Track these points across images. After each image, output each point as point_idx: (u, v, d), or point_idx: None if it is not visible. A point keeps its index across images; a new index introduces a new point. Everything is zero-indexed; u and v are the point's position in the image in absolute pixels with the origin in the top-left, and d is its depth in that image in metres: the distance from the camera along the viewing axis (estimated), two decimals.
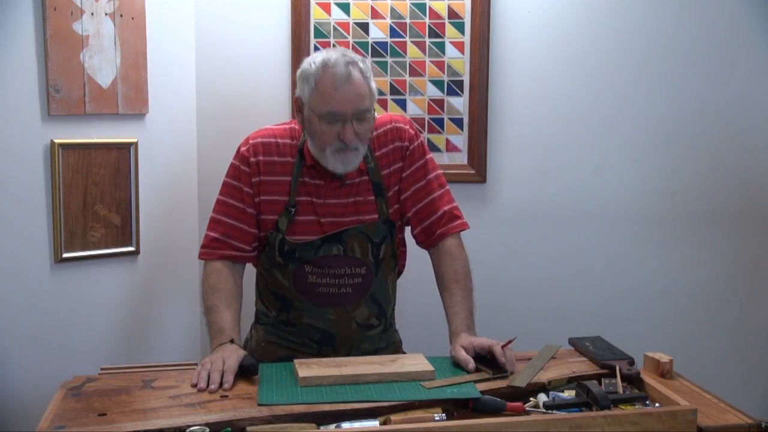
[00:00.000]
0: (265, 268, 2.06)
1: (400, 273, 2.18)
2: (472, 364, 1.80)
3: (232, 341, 1.88)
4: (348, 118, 1.90)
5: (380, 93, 2.67)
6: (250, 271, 2.12)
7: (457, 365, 1.84)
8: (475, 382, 1.74)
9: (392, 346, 2.15)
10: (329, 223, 2.00)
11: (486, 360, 1.83)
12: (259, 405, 1.62)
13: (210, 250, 2.03)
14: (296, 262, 1.99)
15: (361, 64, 1.92)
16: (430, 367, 1.78)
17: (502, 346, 1.81)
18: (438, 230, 2.06)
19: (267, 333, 2.09)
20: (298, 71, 1.96)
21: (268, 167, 2.01)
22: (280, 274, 2.02)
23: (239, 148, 2.05)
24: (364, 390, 1.68)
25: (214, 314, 1.95)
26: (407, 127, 2.09)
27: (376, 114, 2.02)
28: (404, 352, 2.20)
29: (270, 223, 2.01)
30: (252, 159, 2.01)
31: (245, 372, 1.78)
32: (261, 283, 2.11)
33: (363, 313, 2.04)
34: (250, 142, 2.04)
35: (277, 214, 2.00)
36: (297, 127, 2.05)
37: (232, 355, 1.80)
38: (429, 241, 2.09)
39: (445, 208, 2.07)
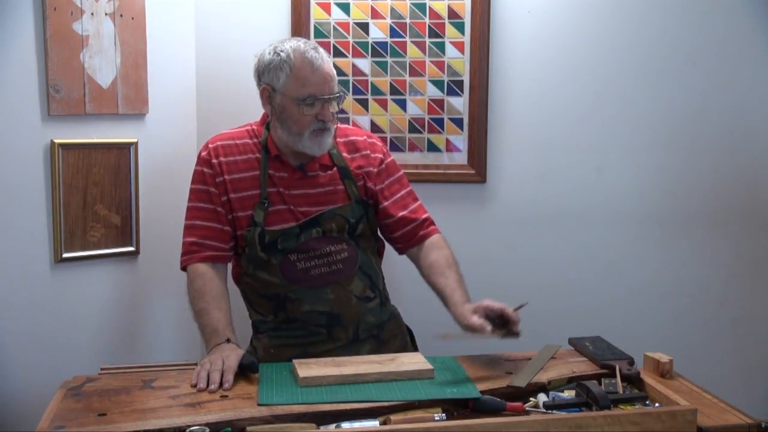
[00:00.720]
0: (248, 273, 2.07)
1: (380, 254, 2.24)
2: (489, 326, 1.81)
3: (228, 341, 1.88)
4: (326, 99, 2.00)
5: (380, 93, 2.68)
6: (235, 288, 2.14)
7: (469, 329, 1.84)
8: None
9: (394, 318, 2.20)
10: (301, 212, 2.04)
11: (495, 323, 1.84)
12: (259, 405, 1.62)
13: (190, 255, 2.08)
14: (279, 254, 2.02)
15: (323, 51, 2.04)
16: (428, 366, 1.78)
17: (514, 310, 1.84)
18: (421, 232, 2.15)
19: (271, 338, 2.09)
20: (260, 64, 2.07)
21: (231, 167, 2.08)
22: (266, 273, 2.04)
23: (200, 154, 2.13)
24: (364, 390, 1.69)
25: (205, 317, 1.97)
26: (380, 143, 2.21)
27: (342, 124, 2.20)
28: (408, 326, 2.26)
29: (244, 220, 2.04)
30: (214, 160, 2.08)
31: (245, 370, 1.78)
32: (249, 292, 2.11)
33: (358, 286, 2.07)
34: (209, 145, 2.13)
35: (251, 209, 2.04)
36: (255, 127, 2.13)
37: (232, 355, 1.80)
38: (411, 242, 2.16)
39: (424, 215, 2.18)
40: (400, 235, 2.16)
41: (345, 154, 2.13)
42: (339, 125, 2.16)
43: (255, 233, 2.02)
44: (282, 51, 2.01)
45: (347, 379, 1.72)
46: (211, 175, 2.07)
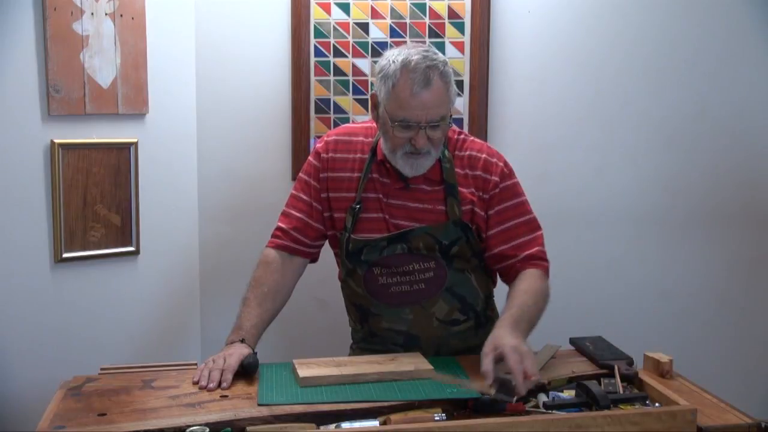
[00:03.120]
0: (343, 279, 2.06)
1: (494, 277, 2.08)
2: (489, 380, 1.63)
3: (242, 341, 1.87)
4: (422, 126, 1.84)
5: None
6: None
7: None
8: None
9: None
10: (394, 224, 1.95)
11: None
12: (259, 405, 1.62)
13: (272, 239, 2.05)
14: (364, 265, 1.97)
15: (441, 68, 1.85)
16: (428, 366, 1.78)
17: (525, 378, 1.62)
18: (519, 269, 1.96)
19: (361, 350, 2.07)
20: (377, 66, 1.90)
21: (339, 164, 2.00)
22: (354, 282, 2.01)
23: (316, 145, 2.07)
24: (364, 390, 1.68)
25: (243, 308, 1.96)
26: (501, 164, 2.00)
27: (470, 137, 2.04)
28: None
29: (340, 222, 1.99)
30: (324, 155, 2.01)
31: (245, 370, 1.78)
32: (345, 297, 2.10)
33: (442, 309, 1.97)
34: (326, 138, 2.05)
35: (344, 211, 1.98)
36: (374, 125, 2.03)
37: (234, 354, 1.80)
38: (508, 277, 1.99)
39: (526, 252, 1.97)
40: (499, 269, 2.00)
41: (459, 170, 1.96)
42: (467, 137, 2.02)
43: (343, 239, 1.97)
44: (394, 61, 1.84)
45: (347, 379, 1.72)
46: (317, 169, 2.01)
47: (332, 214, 2.01)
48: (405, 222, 1.95)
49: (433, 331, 1.98)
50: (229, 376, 1.74)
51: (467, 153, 1.99)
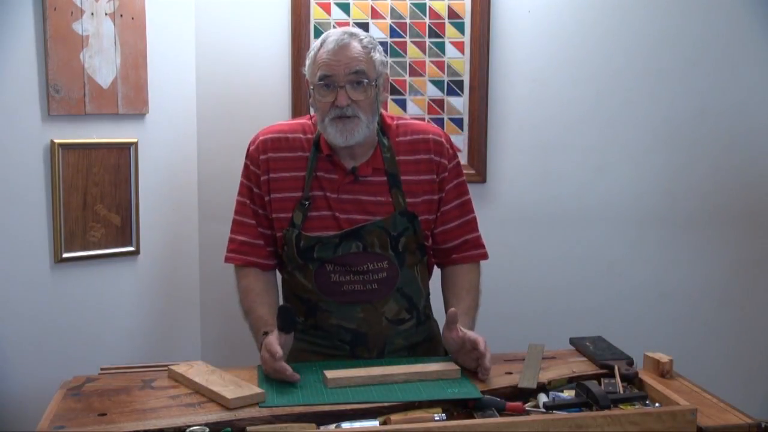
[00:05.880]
0: (287, 271, 2.01)
1: (430, 271, 2.11)
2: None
3: (266, 333, 1.83)
4: (341, 82, 1.84)
5: None
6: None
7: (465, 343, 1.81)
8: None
9: (431, 340, 2.08)
10: (345, 219, 1.92)
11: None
12: (259, 405, 1.62)
13: (237, 254, 2.00)
14: (316, 262, 1.93)
15: (362, 37, 1.89)
16: (455, 367, 1.78)
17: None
18: (454, 255, 2.04)
19: (298, 341, 2.01)
20: None
21: (279, 164, 1.95)
22: (302, 276, 1.96)
23: (249, 147, 2.01)
24: (364, 390, 1.68)
25: (252, 316, 1.93)
26: (447, 146, 2.02)
27: (408, 119, 2.04)
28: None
29: (285, 222, 1.95)
30: (262, 156, 1.96)
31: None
32: (286, 288, 2.06)
33: (392, 309, 1.97)
34: (259, 138, 1.99)
35: (291, 211, 1.94)
36: (310, 122, 2.00)
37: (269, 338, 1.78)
38: (444, 261, 2.06)
39: (468, 236, 2.05)
40: (436, 252, 2.06)
41: (405, 156, 1.96)
42: (406, 120, 2.03)
43: (292, 235, 1.92)
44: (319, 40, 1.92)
45: (374, 380, 1.71)
46: (256, 174, 1.96)
47: (276, 215, 1.96)
48: (359, 216, 1.93)
49: (381, 330, 1.97)
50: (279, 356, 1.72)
51: (412, 138, 1.99)
